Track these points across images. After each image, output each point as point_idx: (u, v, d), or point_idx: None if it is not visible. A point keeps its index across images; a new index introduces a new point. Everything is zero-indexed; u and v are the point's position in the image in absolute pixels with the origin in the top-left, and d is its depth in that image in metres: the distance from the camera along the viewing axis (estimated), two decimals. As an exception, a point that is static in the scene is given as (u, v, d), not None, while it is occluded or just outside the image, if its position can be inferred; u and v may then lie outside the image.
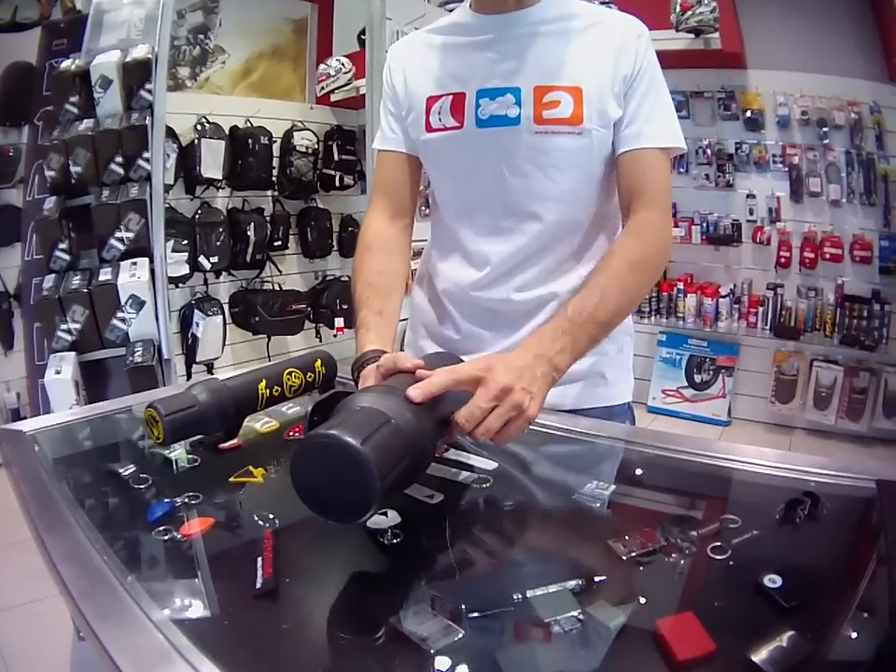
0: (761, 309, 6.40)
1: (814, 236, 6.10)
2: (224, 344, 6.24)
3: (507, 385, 1.39)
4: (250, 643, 0.99)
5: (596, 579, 1.10)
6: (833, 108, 5.84)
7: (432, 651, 0.92)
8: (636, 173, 1.88)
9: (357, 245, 2.07)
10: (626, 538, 1.20)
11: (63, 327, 4.17)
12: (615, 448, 1.67)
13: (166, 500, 1.38)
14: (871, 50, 5.61)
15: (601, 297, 1.70)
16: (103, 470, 1.57)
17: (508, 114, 1.86)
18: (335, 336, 7.05)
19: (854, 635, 0.99)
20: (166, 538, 1.25)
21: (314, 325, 7.17)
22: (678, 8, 5.59)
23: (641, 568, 1.14)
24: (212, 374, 5.56)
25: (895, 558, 1.08)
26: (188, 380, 5.75)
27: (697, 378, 6.72)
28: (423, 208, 2.89)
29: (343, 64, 6.69)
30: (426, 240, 2.24)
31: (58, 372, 4.08)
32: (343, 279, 7.23)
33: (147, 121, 4.26)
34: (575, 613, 0.99)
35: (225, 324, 6.25)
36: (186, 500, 1.38)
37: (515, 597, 1.04)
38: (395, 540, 1.24)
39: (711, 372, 6.66)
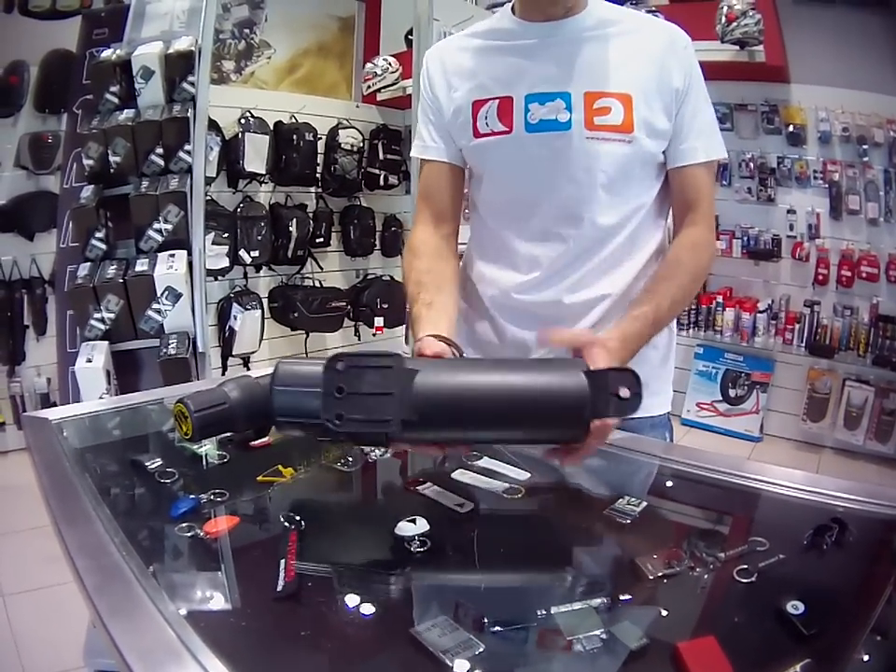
0: (797, 326, 6.35)
1: (851, 254, 6.05)
2: (261, 339, 6.26)
3: None
4: (265, 647, 0.99)
5: (622, 597, 1.09)
6: (873, 126, 5.80)
7: (452, 665, 0.91)
8: (690, 187, 1.92)
9: (404, 253, 2.09)
10: (654, 556, 1.19)
11: (97, 315, 4.17)
12: (648, 464, 1.65)
13: (191, 496, 1.38)
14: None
15: (670, 305, 1.82)
16: (128, 462, 1.57)
17: (559, 118, 1.85)
18: (374, 335, 7.03)
19: (868, 659, 0.98)
20: (189, 534, 1.25)
21: (353, 323, 7.15)
22: (723, 20, 5.55)
23: (666, 588, 1.13)
24: (248, 368, 5.59)
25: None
26: (223, 373, 5.79)
27: (732, 392, 6.68)
28: (465, 210, 2.89)
29: (389, 64, 6.70)
30: (465, 243, 2.22)
31: (89, 361, 4.08)
32: (384, 278, 7.22)
33: (188, 114, 4.26)
34: (598, 632, 0.99)
35: (263, 318, 6.27)
36: (211, 497, 1.38)
37: (539, 613, 1.03)
38: (421, 549, 1.23)
39: (746, 387, 6.62)
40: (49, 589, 3.73)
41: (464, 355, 1.70)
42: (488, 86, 1.93)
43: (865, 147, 5.85)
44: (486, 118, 1.93)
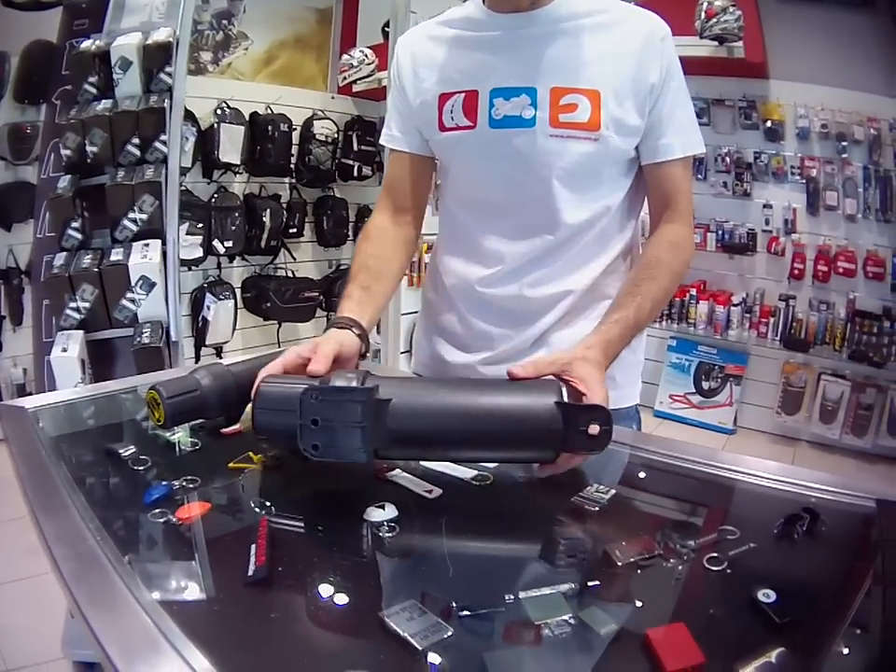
0: (772, 319, 6.37)
1: (828, 250, 6.07)
2: (234, 329, 6.29)
3: (607, 403, 1.46)
4: (238, 631, 0.99)
5: (590, 583, 1.09)
6: (853, 123, 5.81)
7: (420, 648, 0.92)
8: (667, 183, 1.90)
9: (358, 239, 2.08)
10: (623, 543, 1.19)
11: (72, 305, 4.17)
12: (618, 452, 1.64)
13: (164, 483, 1.37)
14: (893, 68, 5.58)
15: (651, 307, 1.80)
16: (102, 450, 1.56)
17: (523, 115, 1.82)
18: (345, 326, 6.99)
19: (845, 652, 0.99)
20: (162, 520, 1.25)
21: (325, 313, 7.15)
22: (702, 15, 5.56)
23: (636, 575, 1.14)
24: (221, 358, 5.58)
25: (891, 579, 1.07)
26: (196, 363, 5.77)
27: (705, 385, 6.71)
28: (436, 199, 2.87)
29: (366, 56, 6.70)
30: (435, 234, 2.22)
31: (64, 350, 4.07)
32: (354, 271, 7.19)
33: (165, 104, 4.26)
34: (566, 617, 0.99)
35: (236, 308, 6.30)
36: (184, 484, 1.38)
37: (507, 598, 1.03)
38: (390, 534, 1.23)
39: (719, 380, 6.65)
40: (29, 580, 3.71)
41: (368, 352, 1.75)
42: (455, 79, 1.91)
43: (845, 143, 5.87)
44: (452, 112, 1.91)
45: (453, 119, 1.91)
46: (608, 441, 1.36)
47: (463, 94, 1.89)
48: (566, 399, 1.38)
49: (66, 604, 1.04)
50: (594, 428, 1.34)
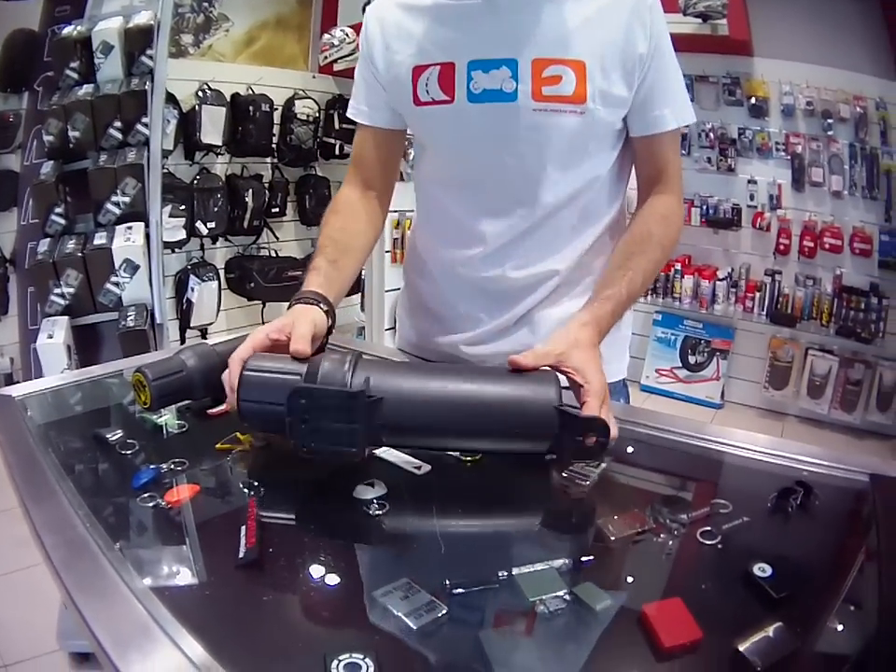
0: (758, 294, 6.37)
1: (814, 225, 6.07)
2: (219, 310, 6.27)
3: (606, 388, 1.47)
4: (230, 615, 0.99)
5: (584, 559, 1.09)
6: (839, 101, 5.80)
7: (414, 628, 0.91)
8: (658, 156, 1.87)
9: (325, 211, 2.01)
10: (615, 518, 1.19)
11: (57, 291, 4.17)
12: (608, 427, 1.64)
13: (152, 466, 1.36)
14: (879, 47, 5.57)
15: (643, 280, 1.77)
16: (90, 436, 1.54)
17: (503, 88, 1.73)
18: (329, 304, 6.98)
19: (841, 628, 0.99)
20: (151, 504, 1.24)
21: (309, 292, 7.06)
22: (686, -7, 5.54)
23: (629, 550, 1.14)
24: (205, 340, 5.58)
25: (886, 554, 1.07)
26: (181, 345, 5.75)
27: (692, 359, 6.72)
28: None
29: (346, 35, 6.66)
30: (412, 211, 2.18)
31: (50, 337, 4.07)
32: (339, 247, 7.17)
33: (147, 87, 4.25)
34: (561, 593, 0.99)
35: (220, 289, 6.28)
36: (172, 466, 1.37)
37: (501, 575, 1.03)
38: (381, 511, 1.22)
39: (706, 354, 6.66)
40: (21, 572, 3.71)
41: (335, 327, 1.72)
42: (429, 51, 1.80)
43: (830, 121, 5.86)
44: (427, 85, 1.80)
45: (428, 93, 1.81)
46: (601, 453, 1.35)
47: (438, 67, 1.79)
48: (562, 396, 1.37)
49: (60, 595, 1.03)
50: (590, 440, 1.33)
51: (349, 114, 2.05)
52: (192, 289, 5.94)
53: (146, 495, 1.26)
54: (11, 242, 5.61)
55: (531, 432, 1.36)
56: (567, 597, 0.98)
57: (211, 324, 6.19)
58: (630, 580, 1.07)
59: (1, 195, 5.53)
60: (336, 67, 6.88)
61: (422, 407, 1.35)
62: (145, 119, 4.27)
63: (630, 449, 1.56)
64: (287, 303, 1.66)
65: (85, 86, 4.37)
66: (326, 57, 6.78)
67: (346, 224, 1.94)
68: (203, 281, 6.04)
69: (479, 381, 1.41)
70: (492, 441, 1.40)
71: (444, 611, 0.94)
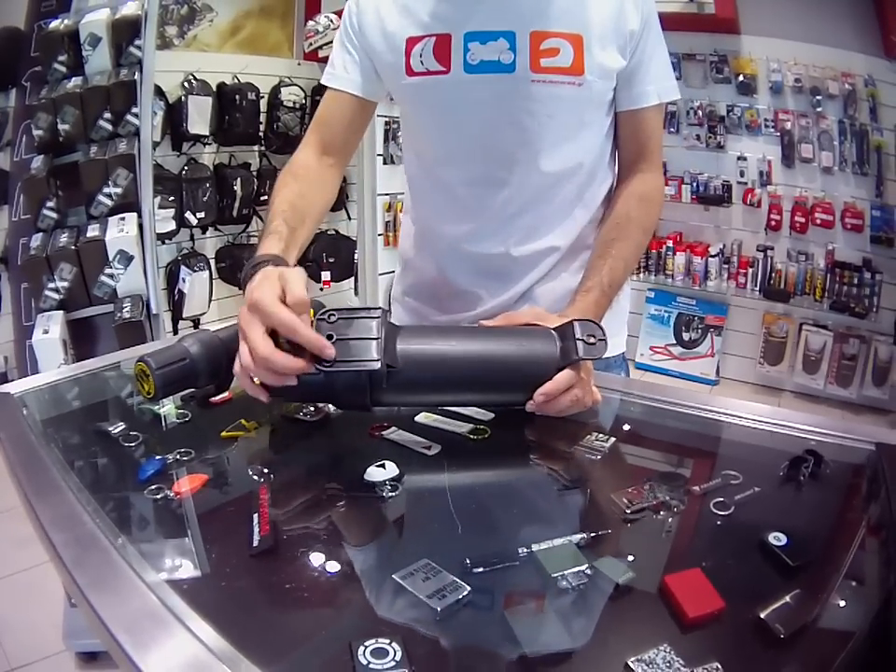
0: (750, 270, 6.41)
1: (805, 201, 6.11)
2: (211, 300, 6.25)
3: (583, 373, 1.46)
4: (247, 604, 0.98)
5: (601, 532, 1.08)
6: (828, 78, 5.85)
7: (438, 609, 0.90)
8: (642, 131, 1.91)
9: (282, 171, 1.98)
10: (629, 490, 1.19)
11: (51, 285, 4.15)
12: (614, 400, 1.65)
13: (157, 458, 1.35)
14: (867, 24, 5.61)
15: (625, 266, 1.80)
16: (92, 430, 1.53)
17: (501, 59, 1.75)
18: (321, 290, 6.97)
19: (859, 591, 0.99)
20: (158, 496, 1.23)
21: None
22: (672, -30, 5.54)
23: (644, 522, 1.13)
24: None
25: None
26: (174, 336, 5.76)
27: (686, 336, 6.75)
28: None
29: (331, 21, 6.63)
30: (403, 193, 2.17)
31: (45, 332, 4.06)
32: (329, 233, 7.14)
33: (135, 77, 4.23)
34: (583, 568, 0.98)
35: (211, 279, 6.27)
36: (177, 457, 1.36)
37: (521, 552, 1.02)
38: (393, 493, 1.22)
39: (700, 331, 6.69)
40: (23, 573, 3.69)
41: None
42: (424, 21, 1.81)
43: (819, 98, 5.90)
44: (421, 56, 1.82)
45: (423, 63, 1.82)
46: (605, 348, 1.42)
47: (434, 38, 1.80)
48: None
49: (63, 594, 1.02)
50: (590, 339, 1.40)
51: (323, 80, 2.03)
52: (184, 280, 5.93)
53: (153, 487, 1.24)
54: (2, 239, 5.59)
55: (538, 364, 1.42)
56: (589, 571, 0.98)
57: (203, 314, 6.17)
58: (647, 552, 1.07)
59: (-9, 194, 5.52)
60: (321, 54, 6.85)
61: (436, 344, 1.42)
62: (134, 110, 4.24)
63: (638, 422, 1.57)
64: (248, 264, 1.58)
65: (73, 78, 4.35)
66: (311, 44, 6.76)
67: (305, 191, 1.90)
68: (195, 271, 6.02)
69: (483, 332, 1.51)
70: (500, 389, 1.47)
71: (467, 591, 0.93)
